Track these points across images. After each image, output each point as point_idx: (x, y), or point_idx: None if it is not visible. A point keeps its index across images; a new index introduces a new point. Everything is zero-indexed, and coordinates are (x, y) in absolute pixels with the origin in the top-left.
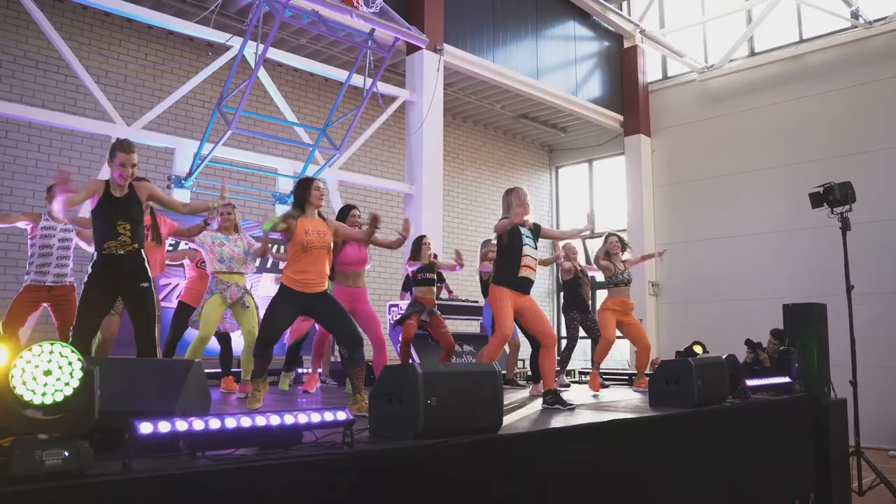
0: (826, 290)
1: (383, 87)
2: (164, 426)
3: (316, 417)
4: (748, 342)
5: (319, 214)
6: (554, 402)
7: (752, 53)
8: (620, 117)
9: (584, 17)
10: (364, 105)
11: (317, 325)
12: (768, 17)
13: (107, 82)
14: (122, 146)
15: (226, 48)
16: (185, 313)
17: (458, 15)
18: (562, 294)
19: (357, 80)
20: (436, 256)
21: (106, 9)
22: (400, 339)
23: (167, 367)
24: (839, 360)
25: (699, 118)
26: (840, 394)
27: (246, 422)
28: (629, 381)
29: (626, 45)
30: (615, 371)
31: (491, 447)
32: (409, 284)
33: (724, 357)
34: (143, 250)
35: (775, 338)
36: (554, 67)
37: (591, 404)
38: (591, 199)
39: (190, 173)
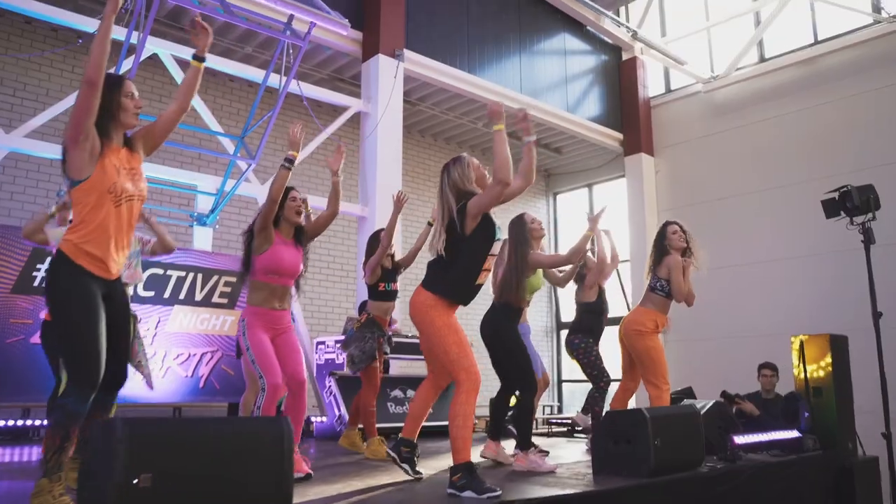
0: (853, 323)
1: (336, 98)
2: None
3: None
4: (724, 395)
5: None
6: (465, 486)
7: (762, 59)
8: (620, 135)
9: (576, 28)
10: (279, 106)
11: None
12: (778, 18)
13: None
14: None
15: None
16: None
17: (426, 22)
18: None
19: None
20: (393, 259)
21: None
22: (366, 394)
23: None
24: (867, 408)
25: (706, 133)
26: (870, 450)
27: None
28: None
29: (625, 57)
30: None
31: None
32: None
33: (708, 404)
34: None
35: (771, 370)
36: (543, 81)
37: (504, 474)
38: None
39: None
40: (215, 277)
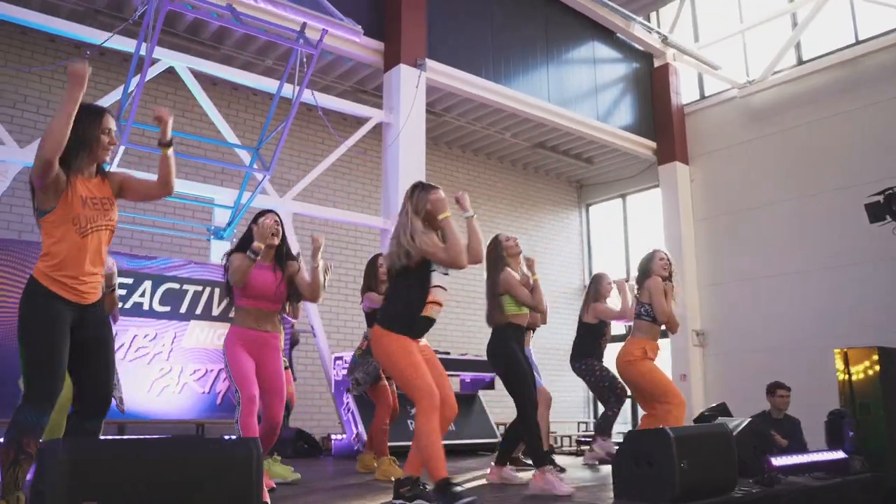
0: None
1: (356, 109)
2: None
3: None
4: (754, 422)
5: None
6: (414, 496)
7: (800, 62)
8: (653, 144)
9: (605, 35)
10: (293, 115)
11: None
12: (817, 18)
13: None
14: None
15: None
16: None
17: (449, 31)
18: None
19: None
20: None
21: None
22: (379, 413)
23: None
24: None
25: (742, 140)
26: None
27: None
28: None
29: (657, 63)
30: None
31: None
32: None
33: (743, 422)
34: None
35: (787, 390)
36: (573, 90)
37: (520, 498)
38: (625, 237)
39: None
40: None
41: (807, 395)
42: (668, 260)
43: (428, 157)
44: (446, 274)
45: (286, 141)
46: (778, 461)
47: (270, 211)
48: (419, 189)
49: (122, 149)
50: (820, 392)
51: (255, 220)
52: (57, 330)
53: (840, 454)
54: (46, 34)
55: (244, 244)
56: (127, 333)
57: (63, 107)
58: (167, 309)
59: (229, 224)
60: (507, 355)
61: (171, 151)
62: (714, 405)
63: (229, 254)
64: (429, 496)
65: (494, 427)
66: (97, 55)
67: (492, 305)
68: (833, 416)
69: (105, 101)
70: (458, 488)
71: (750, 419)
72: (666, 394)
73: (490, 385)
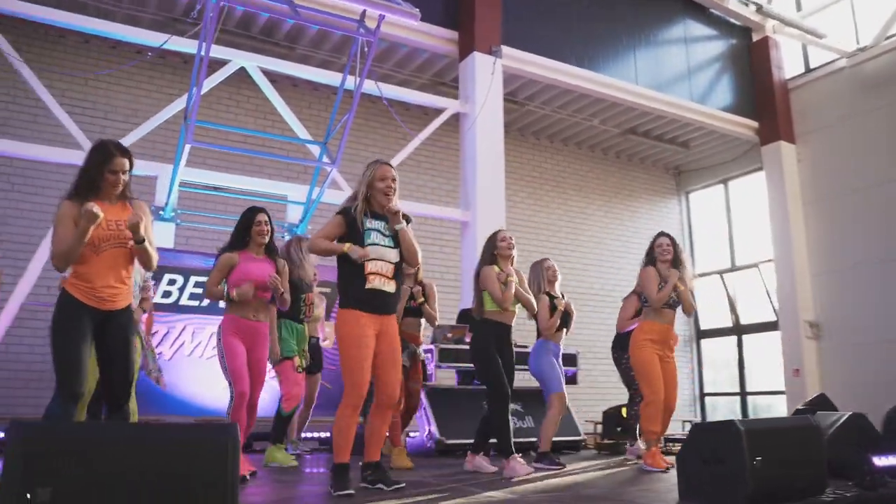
0: None
1: (429, 99)
2: None
3: None
4: (858, 415)
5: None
6: (376, 479)
7: None
8: (755, 124)
9: (697, 12)
10: (355, 105)
11: None
12: None
13: (80, 106)
14: None
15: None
16: None
17: (526, 17)
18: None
19: (368, 84)
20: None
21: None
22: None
23: None
24: None
25: (854, 113)
26: None
27: None
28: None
29: (755, 37)
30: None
31: None
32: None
33: (843, 416)
34: None
35: None
36: (664, 72)
37: (578, 495)
38: (729, 226)
39: (166, 203)
40: None
41: None
42: (671, 244)
43: (514, 149)
44: (391, 248)
45: (364, 137)
46: (882, 461)
47: (261, 210)
48: (371, 165)
49: (187, 147)
50: None
51: (245, 215)
52: (78, 334)
53: None
54: (133, 45)
55: (237, 241)
56: (204, 332)
57: (78, 235)
58: None
59: (302, 220)
60: (482, 350)
61: (142, 246)
62: (812, 398)
63: (222, 251)
64: (388, 480)
65: (578, 424)
66: (181, 62)
67: (473, 298)
68: None
69: (180, 104)
70: (349, 477)
71: (851, 413)
72: (648, 386)
73: (573, 380)
